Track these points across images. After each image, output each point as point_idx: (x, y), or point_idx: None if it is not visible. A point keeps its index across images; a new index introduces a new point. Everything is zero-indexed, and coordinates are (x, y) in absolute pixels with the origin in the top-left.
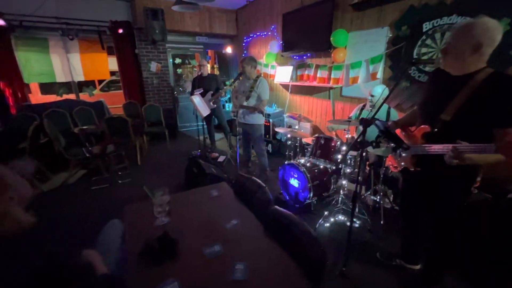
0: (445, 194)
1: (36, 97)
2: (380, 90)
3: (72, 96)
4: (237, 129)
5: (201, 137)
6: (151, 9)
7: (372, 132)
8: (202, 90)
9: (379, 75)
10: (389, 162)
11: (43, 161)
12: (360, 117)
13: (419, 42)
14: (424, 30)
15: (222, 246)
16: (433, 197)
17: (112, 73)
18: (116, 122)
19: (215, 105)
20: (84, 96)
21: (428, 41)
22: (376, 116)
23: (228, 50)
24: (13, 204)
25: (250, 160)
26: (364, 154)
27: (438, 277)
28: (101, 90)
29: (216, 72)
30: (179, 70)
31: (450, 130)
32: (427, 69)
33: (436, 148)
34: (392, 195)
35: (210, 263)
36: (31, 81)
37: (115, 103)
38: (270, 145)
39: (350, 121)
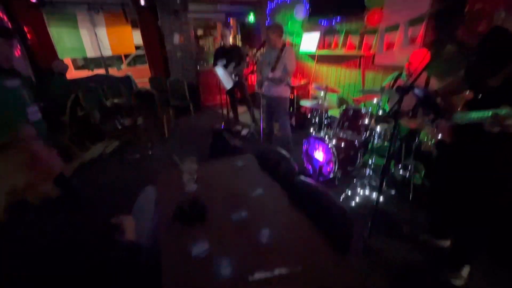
0: (486, 172)
1: (71, 72)
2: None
3: (101, 71)
4: (261, 100)
5: (224, 111)
6: None
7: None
8: (225, 61)
9: (420, 39)
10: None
11: (82, 133)
12: (396, 85)
13: None
14: None
15: (248, 213)
16: (472, 175)
17: (137, 48)
18: (144, 95)
19: (237, 78)
20: (112, 71)
21: None
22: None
23: (251, 18)
24: (43, 178)
25: (273, 134)
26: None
27: (469, 255)
28: (128, 65)
29: (238, 43)
30: (201, 43)
31: (495, 99)
32: (480, 28)
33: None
34: (423, 171)
35: (237, 228)
36: (65, 56)
37: (141, 77)
38: (293, 118)
39: (383, 90)
